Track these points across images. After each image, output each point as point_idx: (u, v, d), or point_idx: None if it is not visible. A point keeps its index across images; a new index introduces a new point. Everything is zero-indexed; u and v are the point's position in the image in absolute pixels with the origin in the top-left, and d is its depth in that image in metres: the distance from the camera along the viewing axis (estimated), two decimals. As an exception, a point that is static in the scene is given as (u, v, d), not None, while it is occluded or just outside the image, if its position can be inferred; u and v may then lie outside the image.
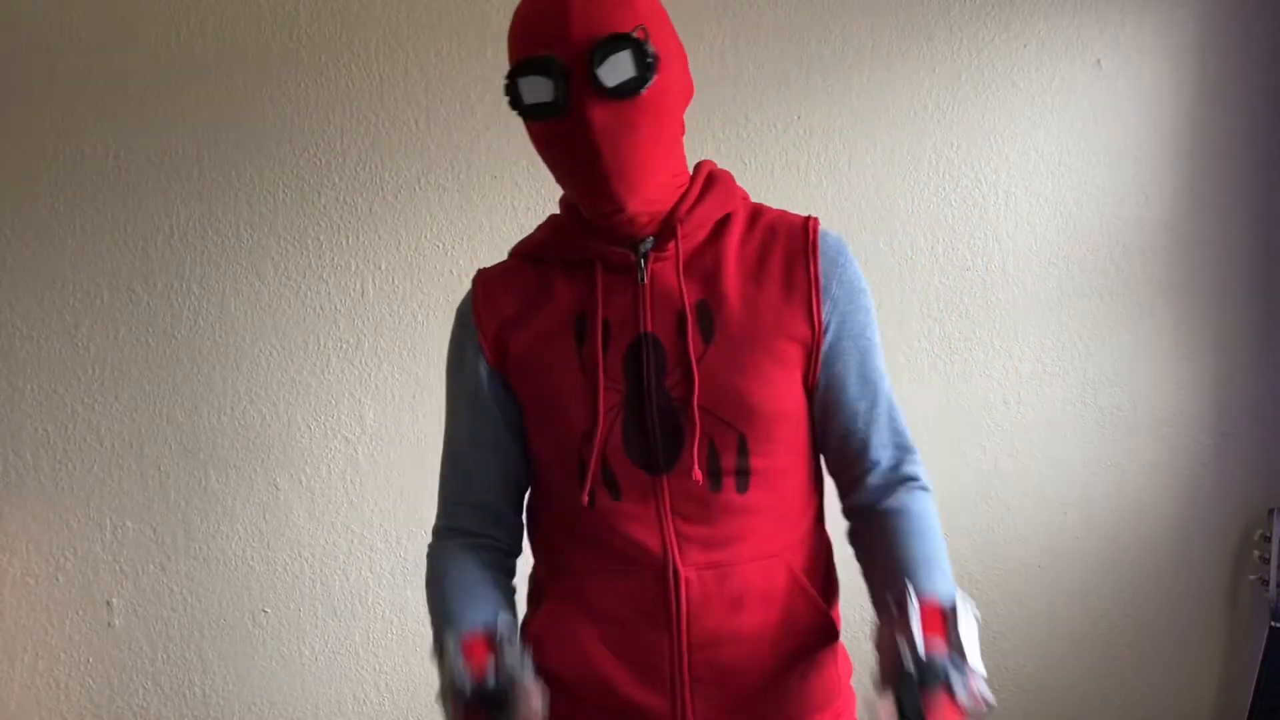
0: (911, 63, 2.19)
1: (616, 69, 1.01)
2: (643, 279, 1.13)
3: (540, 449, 1.19)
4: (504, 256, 1.28)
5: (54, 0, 2.07)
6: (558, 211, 1.26)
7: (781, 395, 1.13)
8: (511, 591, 1.21)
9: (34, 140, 2.10)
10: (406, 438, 2.19)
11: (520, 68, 1.03)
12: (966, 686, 1.00)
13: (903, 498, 1.16)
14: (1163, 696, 2.33)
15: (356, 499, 2.20)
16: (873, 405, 1.16)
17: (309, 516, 2.19)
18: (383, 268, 2.17)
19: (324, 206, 2.15)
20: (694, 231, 1.14)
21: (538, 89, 1.03)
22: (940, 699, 0.98)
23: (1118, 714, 2.34)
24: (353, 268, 2.16)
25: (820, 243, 1.14)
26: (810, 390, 1.16)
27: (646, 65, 1.02)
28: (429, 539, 1.24)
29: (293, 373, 2.17)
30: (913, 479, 1.18)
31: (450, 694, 1.04)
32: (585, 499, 1.12)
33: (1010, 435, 2.26)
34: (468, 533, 1.22)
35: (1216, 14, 2.22)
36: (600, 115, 1.03)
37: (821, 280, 1.13)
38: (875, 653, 1.06)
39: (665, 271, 1.13)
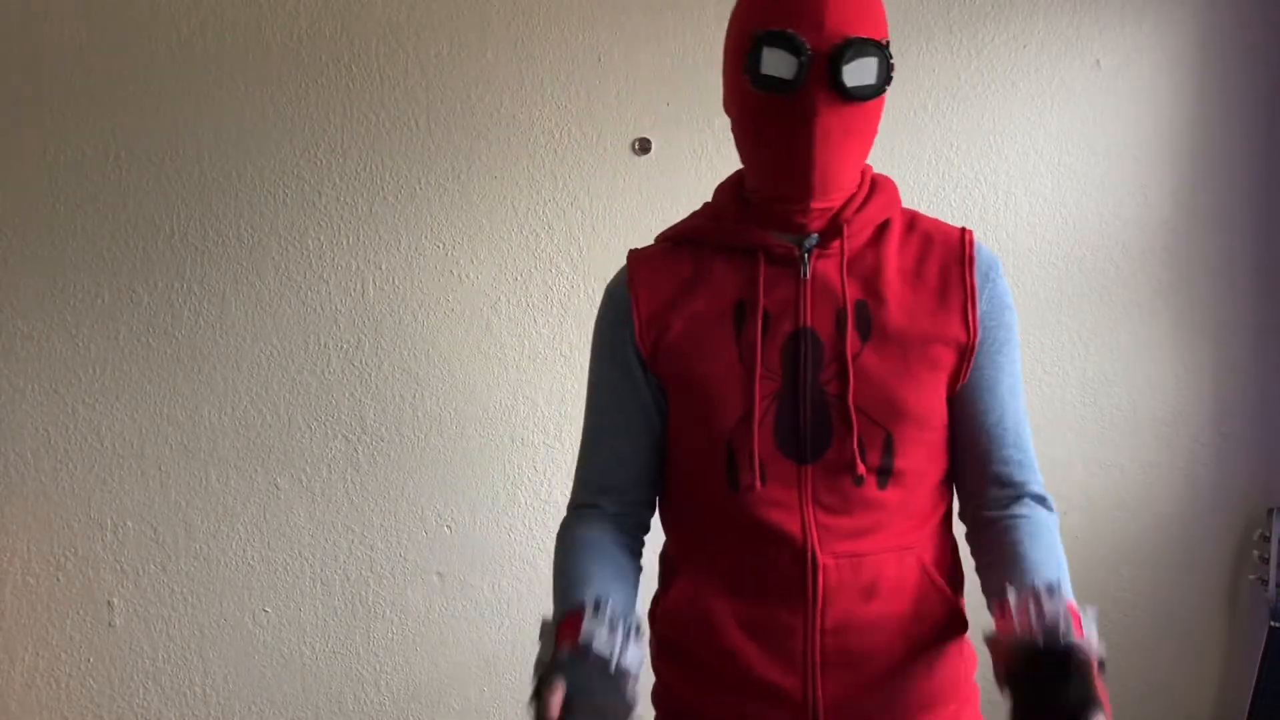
0: (911, 63, 2.19)
1: (861, 73, 1.04)
2: (805, 273, 1.15)
3: (684, 432, 1.20)
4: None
5: (54, 1, 2.08)
6: (713, 199, 1.26)
7: (929, 399, 1.15)
8: (636, 570, 1.23)
9: (34, 140, 2.10)
10: (406, 438, 2.19)
11: (770, 36, 1.04)
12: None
13: (1026, 510, 1.19)
14: (1163, 696, 2.33)
15: (356, 499, 2.20)
16: (1000, 419, 1.19)
17: (309, 516, 2.19)
18: (383, 268, 2.17)
19: (324, 206, 2.15)
20: (858, 232, 1.16)
21: (781, 64, 1.04)
22: (1097, 680, 0.96)
23: (1118, 714, 2.33)
24: (353, 268, 2.16)
25: (975, 255, 1.18)
26: (952, 396, 1.18)
27: (888, 77, 1.06)
28: (563, 514, 1.26)
29: (293, 373, 2.17)
30: (1035, 497, 1.21)
31: (535, 668, 1.03)
32: (741, 483, 1.14)
33: (1010, 435, 2.26)
34: (602, 511, 1.24)
35: (1216, 14, 2.22)
36: (828, 109, 1.06)
37: (977, 290, 1.16)
38: (995, 648, 1.06)
39: (828, 268, 1.16)
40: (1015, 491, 1.20)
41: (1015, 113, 2.21)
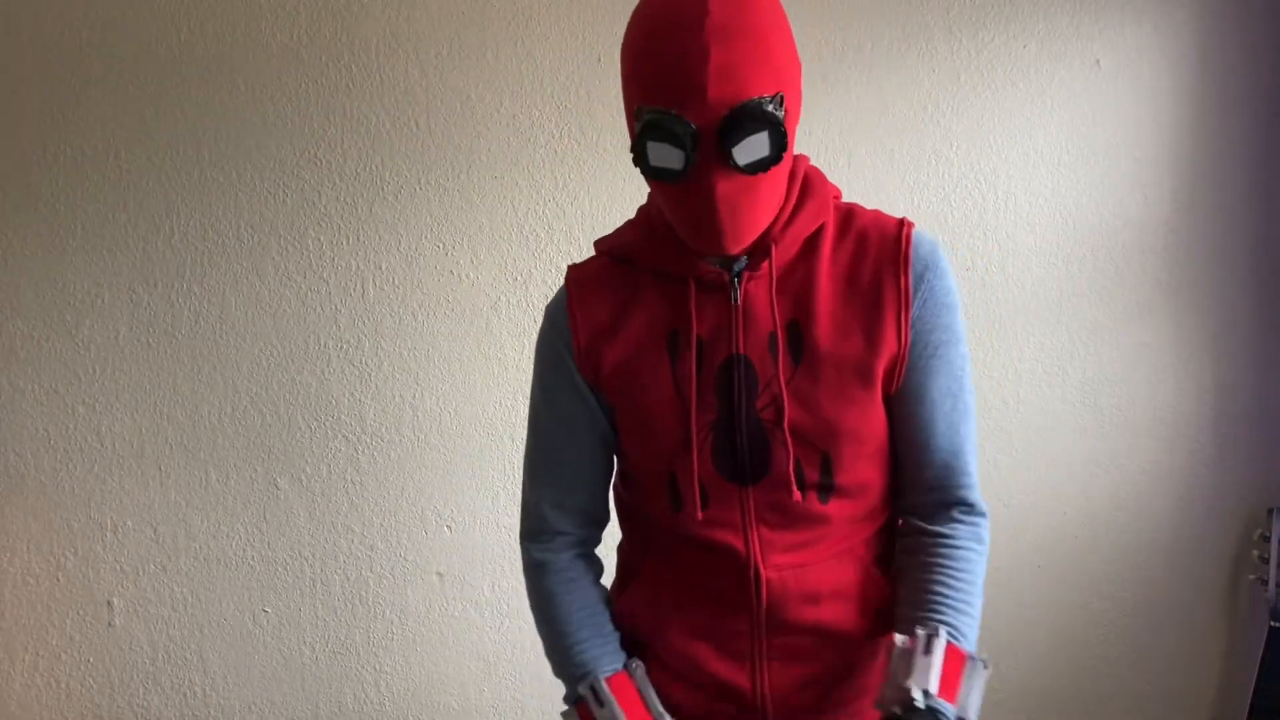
0: (911, 63, 2.19)
1: (751, 149, 0.99)
2: (736, 299, 1.13)
3: (631, 454, 1.22)
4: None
5: (55, 1, 2.08)
6: (647, 204, 1.22)
7: (866, 416, 1.14)
8: (609, 597, 1.28)
9: (34, 140, 2.10)
10: (406, 438, 2.19)
11: (651, 129, 0.99)
12: None
13: (954, 527, 1.18)
14: (1163, 696, 2.33)
15: (356, 499, 2.20)
16: (929, 424, 1.16)
17: (309, 516, 2.19)
18: (383, 268, 2.17)
19: (324, 206, 2.15)
20: (788, 248, 1.12)
21: (666, 156, 1.00)
22: None
23: (1118, 714, 2.34)
24: (353, 268, 2.16)
25: (912, 254, 1.13)
26: (887, 398, 1.17)
27: (781, 146, 1.00)
28: (520, 541, 1.28)
29: (293, 373, 2.17)
30: (966, 504, 1.19)
31: None
32: (684, 506, 1.16)
33: (1010, 435, 2.26)
34: (567, 537, 1.25)
35: (1216, 14, 2.22)
36: (725, 185, 1.02)
37: (910, 294, 1.12)
38: (887, 670, 1.12)
39: (758, 291, 1.13)
40: (942, 497, 1.19)
41: (1015, 113, 2.21)
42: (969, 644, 1.12)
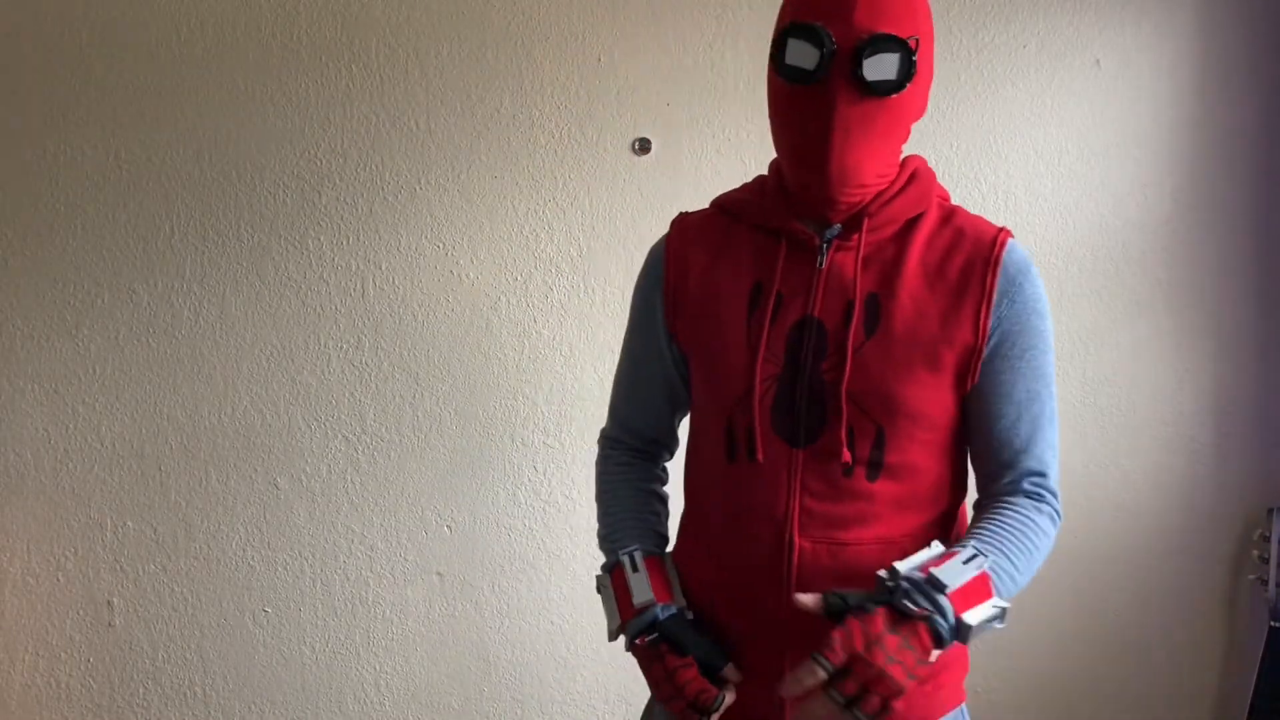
0: (911, 63, 2.19)
1: (880, 67, 1.07)
2: (821, 263, 1.18)
3: (698, 399, 1.28)
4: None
5: (55, 1, 2.08)
6: (767, 172, 1.28)
7: (928, 398, 1.16)
8: (663, 494, 1.37)
9: (34, 140, 2.10)
10: (406, 438, 2.19)
11: (795, 28, 1.08)
12: (909, 618, 1.03)
13: (1022, 500, 1.19)
14: (1163, 696, 2.33)
15: (356, 499, 2.20)
16: (1013, 425, 1.19)
17: (309, 516, 2.19)
18: (383, 268, 2.17)
19: (324, 206, 2.15)
20: (882, 226, 1.18)
21: (803, 54, 1.08)
22: (875, 613, 1.04)
23: (1118, 714, 2.34)
24: (353, 268, 2.16)
25: (1004, 257, 1.17)
26: (964, 396, 1.19)
27: (908, 74, 1.08)
28: (597, 440, 1.40)
29: (293, 373, 2.17)
30: (1039, 493, 1.20)
31: (631, 620, 1.20)
32: (736, 456, 1.20)
33: (1010, 435, 2.26)
34: (631, 446, 1.37)
35: (1216, 14, 2.22)
36: (847, 102, 1.08)
37: (995, 293, 1.16)
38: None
39: (845, 261, 1.18)
40: (1017, 485, 1.20)
41: (1015, 113, 2.21)
42: (1001, 586, 1.10)
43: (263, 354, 2.16)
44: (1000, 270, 1.16)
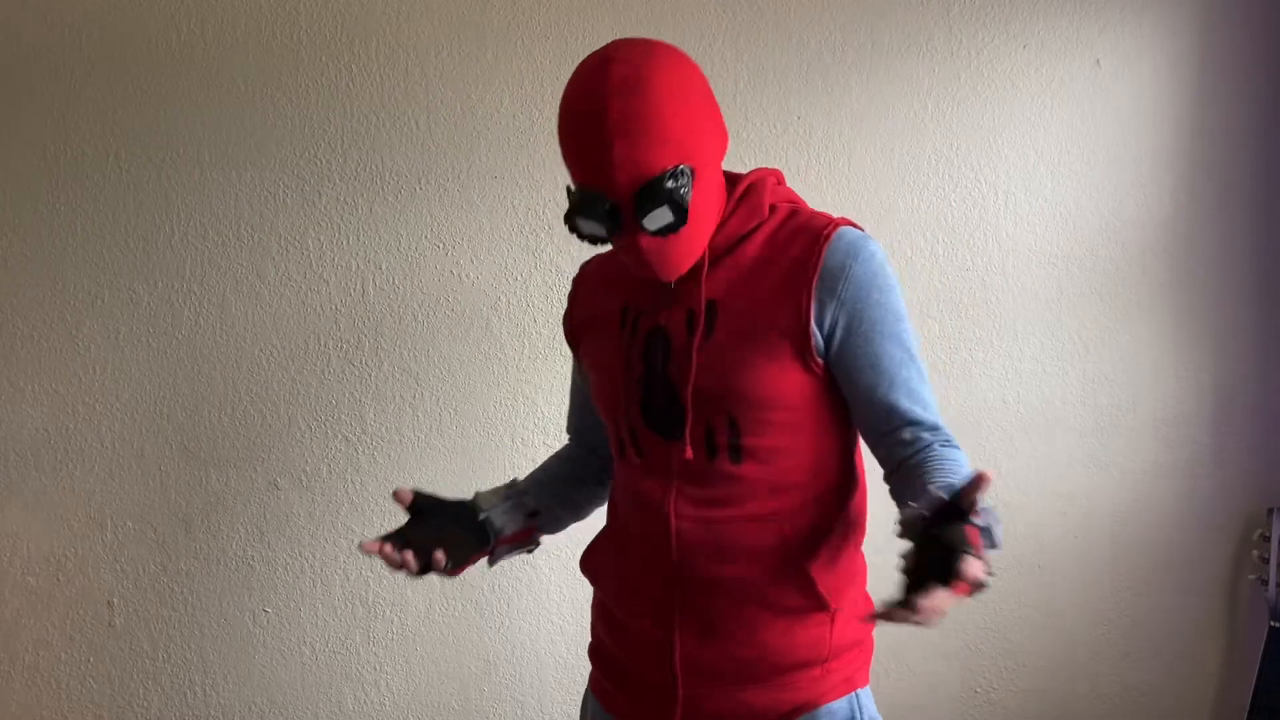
0: (911, 63, 2.19)
1: (657, 219, 1.19)
2: (672, 283, 1.30)
3: (597, 406, 1.42)
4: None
5: (55, 1, 2.08)
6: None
7: (770, 383, 1.26)
8: (576, 477, 1.56)
9: (34, 140, 2.10)
10: (406, 438, 2.19)
11: (578, 208, 1.21)
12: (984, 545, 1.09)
13: (935, 448, 1.25)
14: (1163, 696, 2.33)
15: (356, 499, 2.20)
16: (889, 389, 1.27)
17: (309, 516, 2.19)
18: (383, 268, 2.17)
19: (324, 206, 2.15)
20: (721, 243, 1.29)
21: (593, 228, 1.22)
22: (975, 536, 1.06)
23: (1118, 714, 2.34)
24: (353, 268, 2.16)
25: (829, 245, 1.25)
26: (829, 376, 1.29)
27: (683, 211, 1.19)
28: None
29: (293, 373, 2.17)
30: (949, 442, 1.27)
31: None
32: (625, 453, 1.36)
33: (1010, 435, 2.26)
34: (583, 446, 1.58)
35: (1216, 14, 2.22)
36: (647, 242, 1.21)
37: (818, 278, 1.25)
38: (902, 525, 1.12)
39: (690, 278, 1.30)
40: (922, 444, 1.26)
41: (1015, 113, 2.21)
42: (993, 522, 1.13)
43: (263, 354, 2.16)
44: (824, 256, 1.24)
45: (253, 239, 2.15)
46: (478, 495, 1.45)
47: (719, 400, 1.26)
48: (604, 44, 1.25)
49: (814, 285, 1.24)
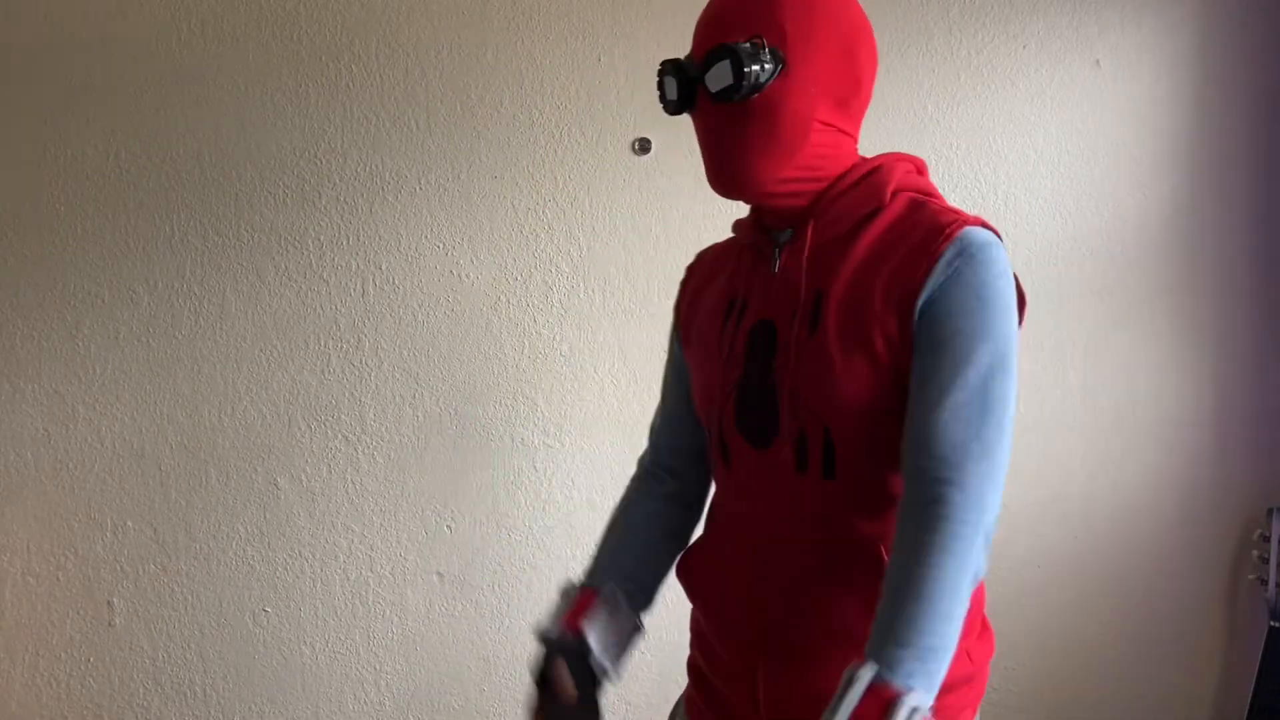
0: (911, 63, 2.19)
1: (717, 77, 1.11)
2: (775, 268, 1.20)
3: (698, 409, 1.31)
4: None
5: (55, 1, 2.08)
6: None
7: (867, 392, 1.11)
8: (674, 548, 1.36)
9: (34, 141, 2.10)
10: (406, 438, 2.19)
11: (662, 66, 1.18)
12: None
13: (921, 527, 1.05)
14: (1162, 696, 2.33)
15: (356, 499, 2.20)
16: (933, 410, 1.06)
17: (309, 516, 2.19)
18: (383, 268, 2.17)
19: (324, 206, 2.15)
20: (832, 224, 1.17)
21: (668, 87, 1.18)
22: None
23: (1118, 714, 2.34)
24: (353, 268, 2.16)
25: (948, 244, 1.09)
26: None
27: (743, 75, 1.10)
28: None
29: (293, 373, 2.17)
30: (940, 502, 1.05)
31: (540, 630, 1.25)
32: (717, 460, 1.25)
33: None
34: (666, 471, 1.39)
35: (1215, 14, 2.22)
36: (709, 116, 1.15)
37: (929, 280, 1.08)
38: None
39: (794, 262, 1.18)
40: (926, 494, 1.06)
41: (1015, 113, 2.21)
42: (900, 677, 0.99)
43: (263, 354, 2.16)
44: (942, 252, 1.08)
45: (253, 239, 2.15)
46: (590, 654, 1.24)
47: (815, 406, 1.12)
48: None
49: (925, 285, 1.08)
